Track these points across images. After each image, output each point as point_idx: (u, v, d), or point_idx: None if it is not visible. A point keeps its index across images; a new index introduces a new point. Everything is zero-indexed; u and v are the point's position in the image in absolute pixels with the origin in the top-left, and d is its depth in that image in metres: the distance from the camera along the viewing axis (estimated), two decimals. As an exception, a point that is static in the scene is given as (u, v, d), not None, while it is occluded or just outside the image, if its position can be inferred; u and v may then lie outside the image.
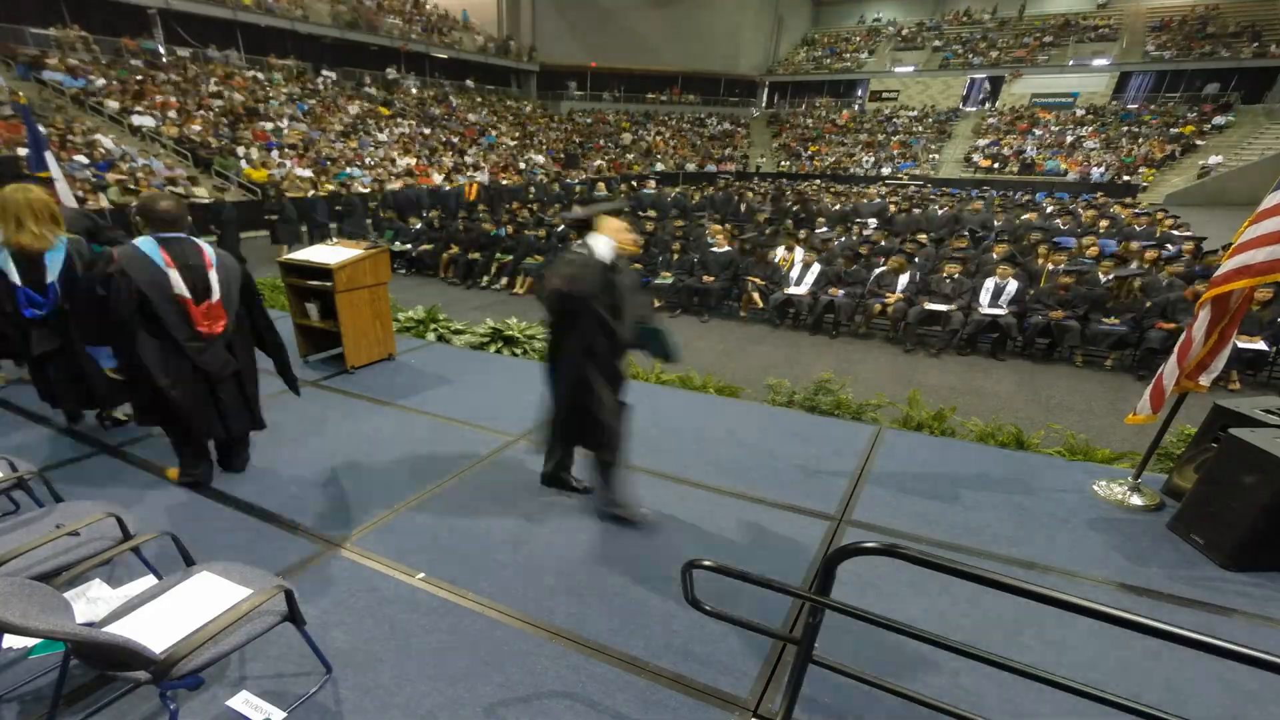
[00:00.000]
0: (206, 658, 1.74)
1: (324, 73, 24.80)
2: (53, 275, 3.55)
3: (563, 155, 27.94)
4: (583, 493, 3.35)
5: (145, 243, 2.90)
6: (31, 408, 4.23)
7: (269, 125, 19.20)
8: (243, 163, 16.72)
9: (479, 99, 30.45)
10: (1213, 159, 23.90)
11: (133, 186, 13.19)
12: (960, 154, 29.68)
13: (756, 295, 8.59)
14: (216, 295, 3.05)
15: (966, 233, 10.92)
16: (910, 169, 29.27)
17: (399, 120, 24.23)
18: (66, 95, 16.08)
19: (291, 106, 21.18)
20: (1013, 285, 7.40)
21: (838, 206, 15.69)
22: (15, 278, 3.49)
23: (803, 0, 40.33)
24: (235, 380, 3.26)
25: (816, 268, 8.39)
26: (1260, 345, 6.30)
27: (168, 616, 1.87)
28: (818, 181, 25.93)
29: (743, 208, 15.57)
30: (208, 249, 3.07)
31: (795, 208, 15.17)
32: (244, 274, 3.24)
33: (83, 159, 13.56)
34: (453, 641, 2.34)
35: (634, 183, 21.28)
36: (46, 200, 3.54)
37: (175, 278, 2.91)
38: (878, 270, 8.31)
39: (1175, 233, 11.71)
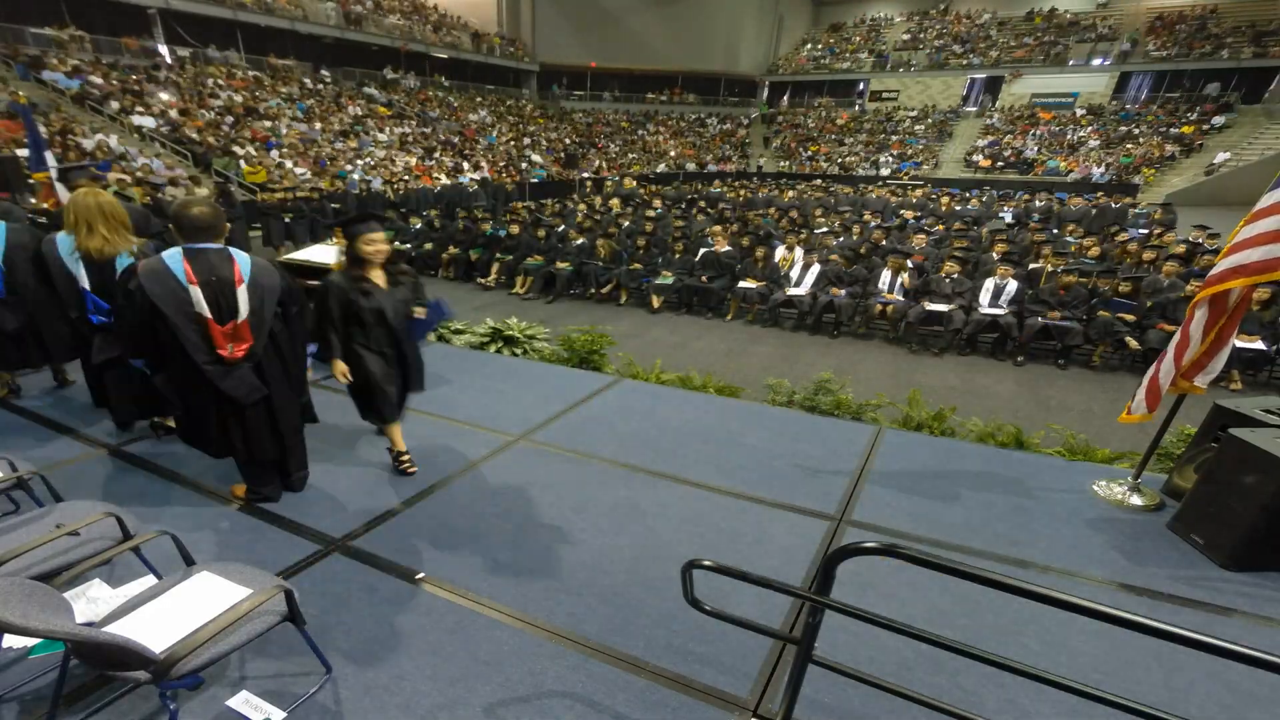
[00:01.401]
0: (206, 658, 1.74)
1: (321, 72, 24.79)
2: None
3: (563, 155, 27.94)
4: None
5: (171, 255, 2.68)
6: (33, 408, 4.23)
7: (268, 124, 19.21)
8: (242, 162, 16.72)
9: (479, 99, 30.45)
10: (1220, 155, 23.87)
11: (131, 186, 13.18)
12: (960, 154, 29.67)
13: (738, 301, 8.75)
14: (243, 314, 2.76)
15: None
16: (910, 169, 29.26)
17: (399, 120, 24.23)
18: (66, 95, 16.07)
19: (291, 106, 21.19)
20: (1012, 285, 7.40)
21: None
22: (85, 282, 3.43)
23: (803, 0, 40.33)
24: (265, 406, 2.95)
25: (816, 268, 8.39)
26: (1260, 345, 6.30)
27: (168, 616, 1.87)
28: (818, 182, 25.86)
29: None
30: (242, 261, 2.77)
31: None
32: (285, 287, 2.93)
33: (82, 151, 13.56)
34: (452, 641, 2.34)
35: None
36: (116, 205, 3.49)
37: (196, 294, 2.66)
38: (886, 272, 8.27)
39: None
